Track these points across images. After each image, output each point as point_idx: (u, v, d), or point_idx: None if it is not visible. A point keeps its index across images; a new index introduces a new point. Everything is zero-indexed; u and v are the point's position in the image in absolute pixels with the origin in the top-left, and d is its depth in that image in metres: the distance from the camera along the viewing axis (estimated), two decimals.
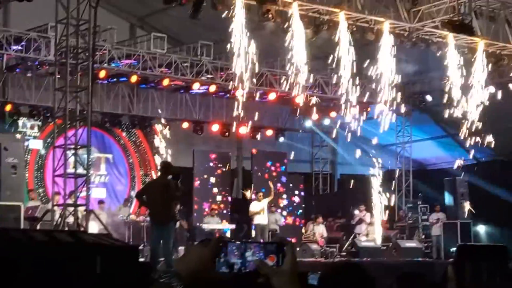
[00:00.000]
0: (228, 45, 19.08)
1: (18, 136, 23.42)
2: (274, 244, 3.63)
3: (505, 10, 21.86)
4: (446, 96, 22.69)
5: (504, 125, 24.46)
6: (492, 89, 23.07)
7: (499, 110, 23.18)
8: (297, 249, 25.64)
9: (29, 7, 19.22)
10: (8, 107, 23.49)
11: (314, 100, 24.97)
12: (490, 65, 22.36)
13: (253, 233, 24.42)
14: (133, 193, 26.14)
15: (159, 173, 15.44)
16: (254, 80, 23.53)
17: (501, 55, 22.80)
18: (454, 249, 23.76)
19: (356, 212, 25.34)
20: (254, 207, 22.93)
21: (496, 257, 5.42)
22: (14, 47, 21.18)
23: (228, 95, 25.66)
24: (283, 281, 3.61)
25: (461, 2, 20.71)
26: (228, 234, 25.21)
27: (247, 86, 20.20)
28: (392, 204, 26.52)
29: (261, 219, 22.80)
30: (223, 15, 18.57)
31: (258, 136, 27.95)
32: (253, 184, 25.42)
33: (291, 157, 28.42)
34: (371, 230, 24.60)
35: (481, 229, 27.44)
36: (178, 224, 16.71)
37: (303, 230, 26.39)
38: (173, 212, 14.89)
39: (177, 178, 15.06)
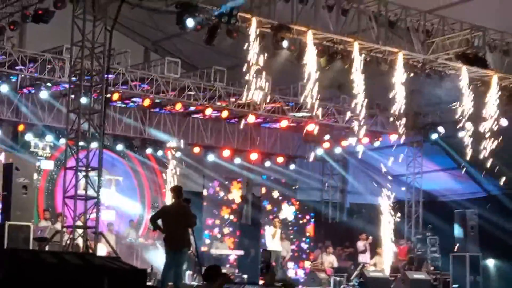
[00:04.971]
0: (242, 71, 19.18)
1: (30, 156, 23.55)
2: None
3: None
4: (459, 128, 22.74)
5: None
6: (504, 122, 23.07)
7: (511, 143, 23.13)
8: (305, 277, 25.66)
9: (45, 28, 19.38)
10: (21, 127, 23.61)
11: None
12: (503, 98, 22.42)
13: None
14: (143, 216, 26.18)
15: (172, 198, 15.41)
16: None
17: None
18: (456, 285, 23.76)
19: (359, 243, 25.38)
20: (270, 231, 23.22)
21: None
22: (29, 68, 21.30)
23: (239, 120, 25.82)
24: None
25: (475, 35, 20.79)
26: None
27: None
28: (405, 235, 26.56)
29: (275, 246, 22.88)
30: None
31: (269, 163, 27.99)
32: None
33: (302, 185, 28.59)
34: (379, 260, 24.52)
35: (490, 263, 27.29)
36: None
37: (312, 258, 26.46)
38: (188, 237, 14.88)
39: (187, 203, 15.08)
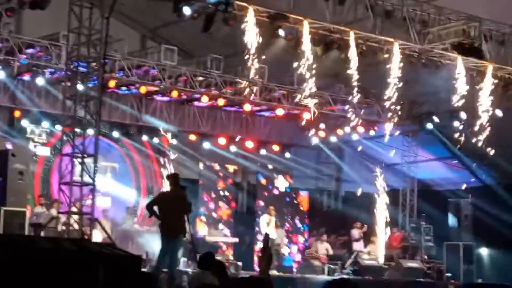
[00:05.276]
0: (239, 60, 19.26)
1: (26, 142, 23.60)
2: None
3: None
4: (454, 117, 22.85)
5: (510, 148, 24.50)
6: (499, 112, 23.15)
7: (505, 134, 23.23)
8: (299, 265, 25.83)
9: (42, 15, 19.39)
10: (17, 113, 23.65)
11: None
12: (498, 89, 22.49)
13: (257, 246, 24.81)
14: (138, 202, 26.23)
15: (169, 185, 15.48)
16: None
17: (509, 79, 22.89)
18: (449, 274, 23.92)
19: (353, 231, 25.50)
20: (265, 219, 23.36)
21: None
22: (26, 54, 21.32)
23: (235, 108, 25.91)
24: None
25: (471, 25, 20.85)
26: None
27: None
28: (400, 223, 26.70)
29: (270, 233, 23.02)
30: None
31: (264, 151, 28.07)
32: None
33: (297, 173, 28.71)
34: (373, 248, 24.65)
35: (484, 251, 27.43)
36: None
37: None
38: (183, 224, 14.97)
39: (183, 190, 15.16)
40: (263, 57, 19.58)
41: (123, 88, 23.80)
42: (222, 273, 10.77)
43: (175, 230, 14.88)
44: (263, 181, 27.73)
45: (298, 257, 27.35)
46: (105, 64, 18.82)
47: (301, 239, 27.40)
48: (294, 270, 25.73)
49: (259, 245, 25.63)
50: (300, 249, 27.42)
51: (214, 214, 26.62)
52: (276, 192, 27.81)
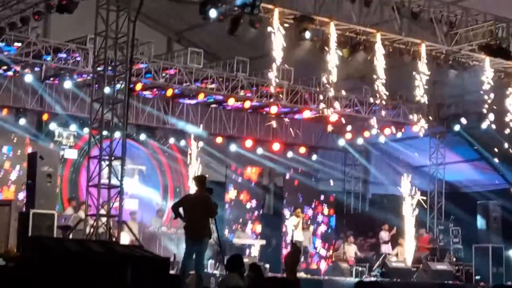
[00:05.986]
0: (265, 62, 19.25)
1: (54, 145, 23.76)
2: None
3: None
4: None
5: None
6: None
7: None
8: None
9: (69, 19, 19.51)
10: (45, 117, 23.81)
11: None
12: None
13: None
14: (165, 205, 26.30)
15: (196, 188, 15.42)
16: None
17: None
18: (478, 277, 23.73)
19: (382, 233, 25.39)
20: (292, 221, 23.31)
21: None
22: (53, 58, 21.47)
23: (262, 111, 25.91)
24: None
25: (499, 26, 20.70)
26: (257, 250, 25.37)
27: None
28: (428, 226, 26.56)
29: (297, 236, 22.97)
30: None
31: (291, 153, 28.06)
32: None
33: (324, 176, 28.70)
34: (401, 251, 24.54)
35: None
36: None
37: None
38: (209, 227, 14.91)
39: (209, 193, 15.11)
40: (288, 60, 19.55)
41: (150, 90, 23.88)
42: (259, 276, 10.78)
43: (199, 232, 14.78)
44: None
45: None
46: (132, 67, 18.85)
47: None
48: (321, 272, 25.73)
49: (286, 247, 25.65)
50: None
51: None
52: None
